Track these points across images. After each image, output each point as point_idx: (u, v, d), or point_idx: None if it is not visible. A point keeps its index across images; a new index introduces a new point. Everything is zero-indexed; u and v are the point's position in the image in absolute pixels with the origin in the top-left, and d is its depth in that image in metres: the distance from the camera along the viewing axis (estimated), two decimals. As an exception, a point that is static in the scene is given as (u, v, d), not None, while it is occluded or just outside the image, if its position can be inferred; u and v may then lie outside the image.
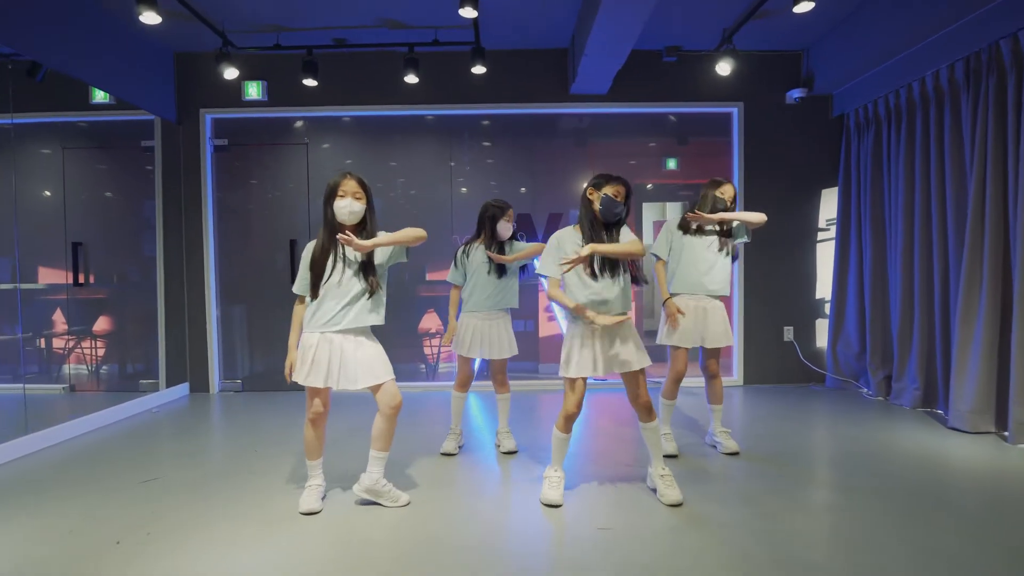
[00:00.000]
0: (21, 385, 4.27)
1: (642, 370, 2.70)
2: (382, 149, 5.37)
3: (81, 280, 5.01)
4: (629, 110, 5.33)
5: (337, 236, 2.45)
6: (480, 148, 5.41)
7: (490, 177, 5.42)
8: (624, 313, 2.66)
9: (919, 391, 4.31)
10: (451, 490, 2.92)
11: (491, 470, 3.21)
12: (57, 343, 5.22)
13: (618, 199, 2.65)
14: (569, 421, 2.73)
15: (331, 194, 2.56)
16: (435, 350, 5.62)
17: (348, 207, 2.53)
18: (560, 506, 2.69)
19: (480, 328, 3.37)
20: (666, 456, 3.31)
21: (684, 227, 3.35)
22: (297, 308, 2.68)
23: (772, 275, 5.36)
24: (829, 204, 5.35)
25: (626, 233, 2.70)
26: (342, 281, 2.55)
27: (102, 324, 5.39)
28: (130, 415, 4.71)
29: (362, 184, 2.58)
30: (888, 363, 4.72)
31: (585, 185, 2.72)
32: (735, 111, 5.32)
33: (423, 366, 5.60)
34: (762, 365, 5.37)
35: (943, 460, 3.27)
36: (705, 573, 2.09)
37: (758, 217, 3.20)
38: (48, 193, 5.02)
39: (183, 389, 5.31)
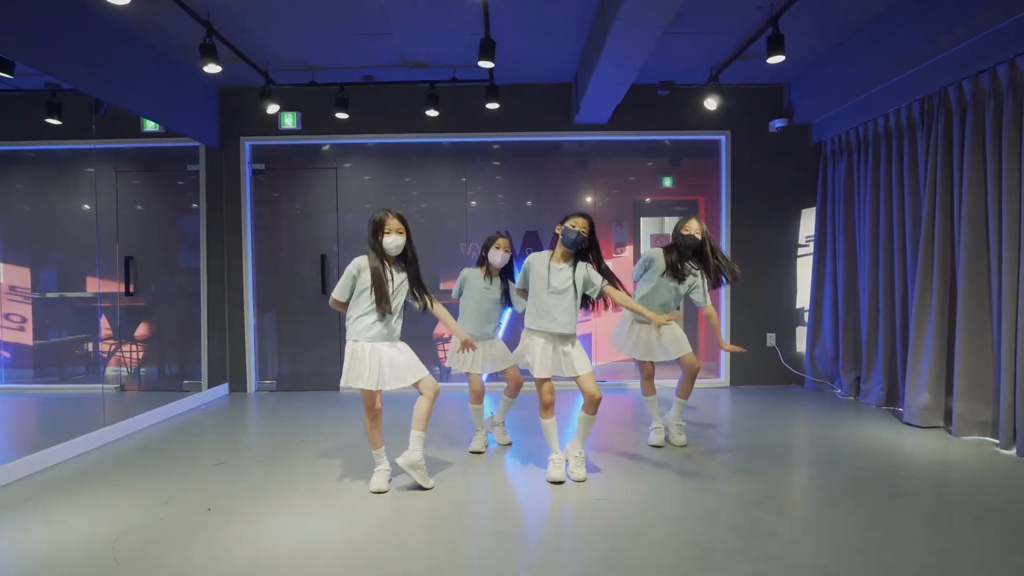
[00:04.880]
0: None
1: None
2: (401, 169, 5.94)
3: (132, 290, 5.55)
4: (627, 137, 5.89)
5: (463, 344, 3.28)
6: (491, 168, 5.97)
7: (499, 192, 5.98)
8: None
9: (883, 391, 4.85)
10: (476, 474, 3.48)
11: (507, 458, 3.77)
12: (109, 347, 5.78)
13: (574, 228, 3.26)
14: (547, 409, 3.30)
15: (377, 229, 3.10)
16: (448, 354, 6.14)
17: (395, 243, 3.08)
18: (563, 482, 3.25)
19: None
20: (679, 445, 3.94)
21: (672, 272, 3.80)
22: (338, 307, 3.20)
23: (757, 286, 5.90)
24: (808, 223, 5.90)
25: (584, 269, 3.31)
26: (395, 304, 3.10)
27: (149, 330, 5.94)
28: (179, 412, 5.25)
29: (402, 220, 3.12)
30: (858, 366, 5.26)
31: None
32: (723, 138, 5.88)
33: (437, 368, 6.14)
34: (747, 368, 5.92)
35: (897, 452, 3.80)
36: (682, 533, 2.64)
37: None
38: (94, 210, 5.58)
39: (223, 389, 5.87)
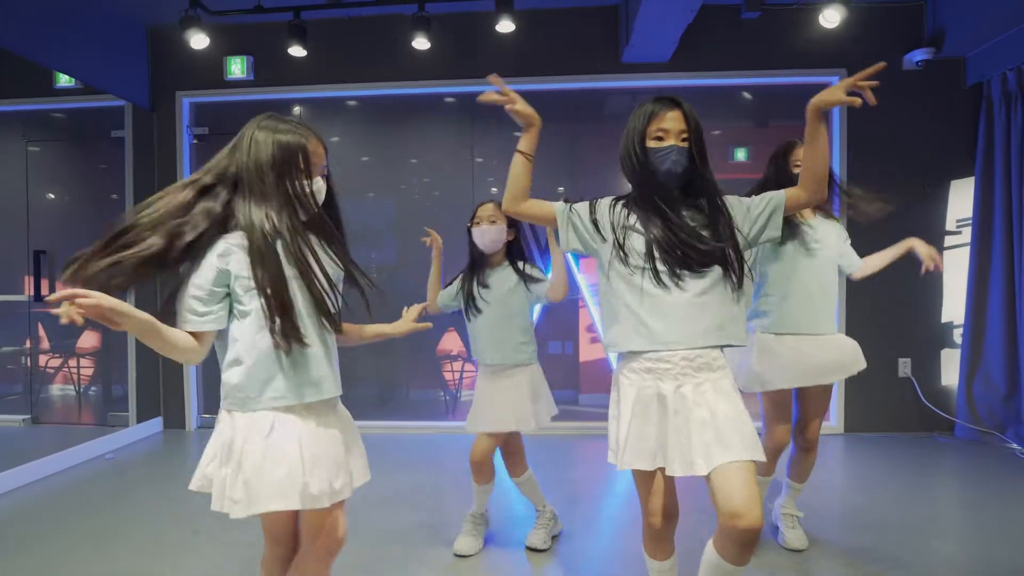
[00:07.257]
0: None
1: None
2: (397, 139, 4.55)
3: (45, 293, 4.30)
4: (696, 82, 4.30)
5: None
6: (510, 138, 4.52)
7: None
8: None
9: (1112, 457, 3.14)
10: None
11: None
12: (16, 365, 4.57)
13: (664, 142, 1.60)
14: (655, 539, 1.62)
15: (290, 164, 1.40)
16: (456, 375, 4.76)
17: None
18: None
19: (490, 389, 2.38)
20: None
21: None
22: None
23: (884, 292, 4.19)
24: (961, 200, 4.20)
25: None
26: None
27: (71, 345, 4.68)
28: (85, 459, 3.89)
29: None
30: (1055, 413, 3.56)
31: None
32: (835, 81, 4.21)
33: (443, 394, 4.73)
34: (870, 407, 4.24)
35: None
36: None
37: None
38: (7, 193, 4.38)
39: (156, 424, 4.50)
